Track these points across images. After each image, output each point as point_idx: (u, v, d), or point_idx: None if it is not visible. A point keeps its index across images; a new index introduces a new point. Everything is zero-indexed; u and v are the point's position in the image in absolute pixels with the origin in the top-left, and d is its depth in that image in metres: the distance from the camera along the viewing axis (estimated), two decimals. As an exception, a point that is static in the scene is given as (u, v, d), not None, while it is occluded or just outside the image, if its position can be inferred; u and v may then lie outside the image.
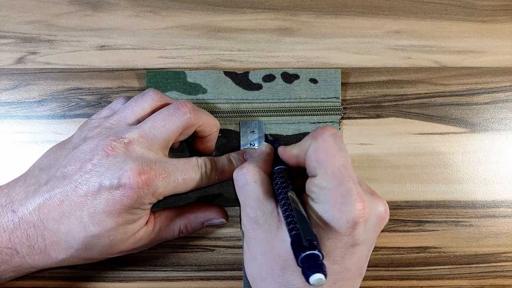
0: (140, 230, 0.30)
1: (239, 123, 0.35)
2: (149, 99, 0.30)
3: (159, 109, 0.30)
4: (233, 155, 0.32)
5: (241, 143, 0.34)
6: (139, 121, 0.30)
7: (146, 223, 0.30)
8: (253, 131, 0.35)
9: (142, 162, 0.28)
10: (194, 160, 0.30)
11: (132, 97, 0.31)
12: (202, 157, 0.31)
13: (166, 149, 0.30)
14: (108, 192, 0.27)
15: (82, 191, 0.27)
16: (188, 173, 0.29)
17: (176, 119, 0.29)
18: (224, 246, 0.34)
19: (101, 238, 0.28)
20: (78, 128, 0.31)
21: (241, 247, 0.34)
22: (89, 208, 0.27)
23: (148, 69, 0.35)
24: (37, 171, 0.29)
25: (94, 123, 0.30)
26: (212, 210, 0.33)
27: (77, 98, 0.35)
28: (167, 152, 0.30)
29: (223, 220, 0.33)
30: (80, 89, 0.35)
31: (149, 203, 0.28)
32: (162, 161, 0.29)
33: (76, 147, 0.29)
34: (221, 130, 0.34)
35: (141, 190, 0.27)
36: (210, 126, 0.32)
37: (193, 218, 0.32)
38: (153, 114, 0.30)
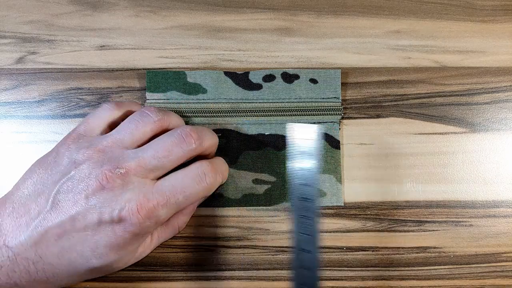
0: (140, 247, 0.30)
1: (286, 126, 0.31)
2: (151, 122, 0.29)
3: (162, 133, 0.29)
4: None
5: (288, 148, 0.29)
6: (138, 145, 0.28)
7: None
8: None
9: (139, 193, 0.27)
10: (194, 171, 0.28)
11: (123, 102, 0.30)
12: (202, 163, 0.29)
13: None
14: (109, 227, 0.26)
15: (81, 225, 0.26)
16: (188, 189, 0.28)
17: (180, 150, 0.28)
18: (224, 246, 0.34)
19: (104, 267, 0.28)
20: (62, 141, 0.29)
21: (241, 247, 0.34)
22: (89, 243, 0.26)
23: (148, 69, 0.35)
24: (24, 197, 0.27)
25: (84, 142, 0.28)
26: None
27: (77, 98, 0.35)
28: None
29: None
30: (80, 89, 0.35)
31: (153, 229, 0.28)
32: (158, 185, 0.27)
33: (66, 174, 0.27)
34: (221, 130, 0.34)
35: (143, 224, 0.27)
36: (212, 148, 0.31)
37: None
38: (154, 141, 0.28)
